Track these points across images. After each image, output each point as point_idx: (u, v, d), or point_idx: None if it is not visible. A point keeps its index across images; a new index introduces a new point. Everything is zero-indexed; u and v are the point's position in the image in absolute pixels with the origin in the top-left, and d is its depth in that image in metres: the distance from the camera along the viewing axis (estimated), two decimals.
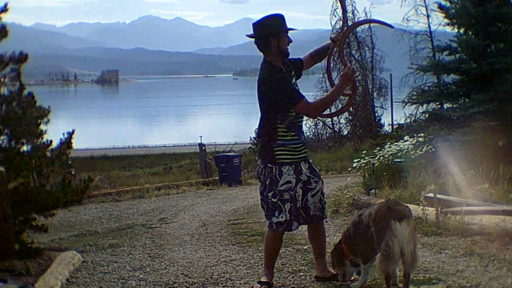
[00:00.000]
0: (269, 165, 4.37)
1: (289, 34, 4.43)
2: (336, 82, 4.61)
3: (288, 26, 4.42)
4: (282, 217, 4.36)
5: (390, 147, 10.55)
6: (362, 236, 4.12)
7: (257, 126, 4.57)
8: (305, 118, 4.81)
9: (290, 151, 4.37)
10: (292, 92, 4.32)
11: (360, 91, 31.63)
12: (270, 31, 4.34)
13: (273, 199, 4.36)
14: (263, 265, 4.66)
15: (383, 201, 4.87)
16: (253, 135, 33.32)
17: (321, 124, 32.70)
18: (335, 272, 4.64)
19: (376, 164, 9.86)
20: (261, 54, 4.43)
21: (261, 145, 4.50)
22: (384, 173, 9.54)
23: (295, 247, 5.97)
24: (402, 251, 3.78)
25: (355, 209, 8.15)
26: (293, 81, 4.48)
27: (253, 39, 4.43)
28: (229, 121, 68.38)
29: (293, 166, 4.36)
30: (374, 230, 3.91)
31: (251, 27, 4.43)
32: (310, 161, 4.56)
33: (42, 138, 6.75)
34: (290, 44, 4.43)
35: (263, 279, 4.52)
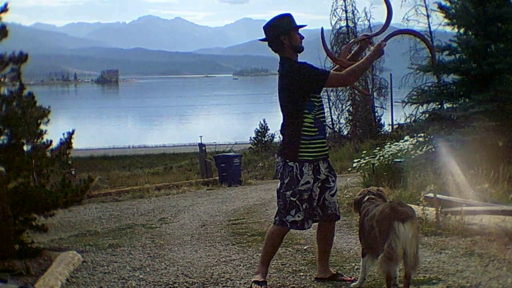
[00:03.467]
0: (289, 163, 4.36)
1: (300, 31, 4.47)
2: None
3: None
4: (298, 216, 4.37)
5: (390, 147, 10.56)
6: (366, 234, 4.14)
7: (280, 124, 4.53)
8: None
9: (314, 148, 4.37)
10: (318, 70, 4.38)
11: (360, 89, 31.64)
12: (280, 30, 4.39)
13: (292, 198, 4.36)
14: (260, 262, 4.62)
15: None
16: (253, 135, 33.38)
17: None
18: (335, 272, 4.65)
19: (376, 164, 9.87)
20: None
21: (284, 141, 4.47)
22: (384, 173, 9.55)
23: (295, 247, 5.97)
24: (404, 252, 3.78)
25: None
26: None
27: (262, 43, 4.49)
28: (229, 121, 68.38)
29: (312, 165, 4.36)
30: (378, 231, 3.91)
31: (262, 31, 4.48)
32: (329, 160, 4.57)
33: (42, 138, 6.75)
34: (303, 40, 4.47)
35: (259, 278, 4.50)
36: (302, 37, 4.47)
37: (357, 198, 4.51)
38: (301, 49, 4.46)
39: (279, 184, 4.48)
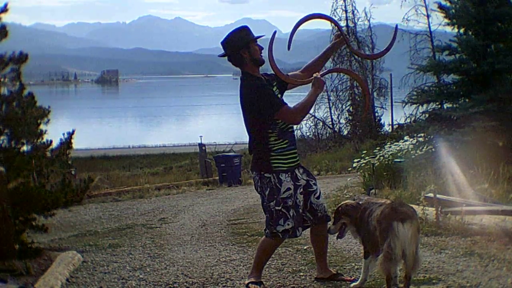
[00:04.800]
0: (265, 175, 4.33)
1: (259, 42, 4.42)
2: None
3: (256, 34, 4.43)
4: (288, 224, 4.33)
5: (390, 147, 10.55)
6: (369, 235, 4.14)
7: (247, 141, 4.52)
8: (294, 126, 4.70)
9: (285, 159, 4.36)
10: (273, 98, 4.31)
11: (360, 91, 31.66)
12: (238, 45, 4.34)
13: (277, 207, 4.32)
14: (253, 267, 4.58)
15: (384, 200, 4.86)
16: None
17: (321, 124, 32.72)
18: (335, 272, 4.65)
19: (376, 164, 9.87)
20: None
21: (255, 156, 4.43)
22: (384, 173, 9.54)
23: (295, 247, 5.97)
24: (404, 252, 3.78)
25: None
26: (276, 92, 4.43)
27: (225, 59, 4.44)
28: (229, 121, 68.32)
29: (289, 173, 4.35)
30: (378, 231, 3.92)
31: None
32: (302, 165, 4.55)
33: (42, 138, 6.75)
34: (263, 51, 4.41)
35: (255, 279, 4.48)
36: (262, 48, 4.41)
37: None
38: (261, 62, 4.41)
39: (261, 199, 4.46)
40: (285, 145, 4.36)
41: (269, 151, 4.33)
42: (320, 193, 4.54)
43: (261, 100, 4.27)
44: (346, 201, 4.64)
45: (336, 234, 4.45)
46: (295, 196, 4.35)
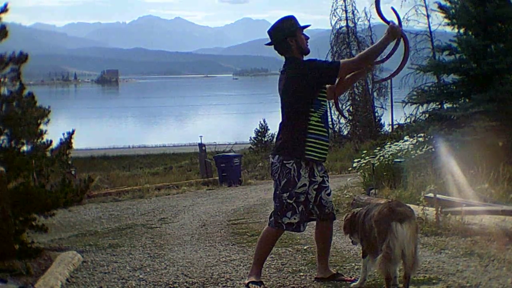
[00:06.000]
0: (287, 164, 4.30)
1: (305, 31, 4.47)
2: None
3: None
4: (294, 218, 4.34)
5: (390, 147, 10.55)
6: (366, 235, 4.14)
7: (277, 128, 4.49)
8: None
9: (319, 148, 4.34)
10: (328, 61, 4.45)
11: (360, 91, 31.69)
12: (285, 33, 4.39)
13: (288, 200, 4.33)
14: (253, 263, 4.58)
15: (385, 201, 4.86)
16: (253, 135, 33.34)
17: None
18: (335, 272, 4.64)
19: (376, 164, 9.86)
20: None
21: (285, 139, 4.37)
22: (384, 173, 9.54)
23: (295, 247, 5.97)
24: (403, 252, 3.78)
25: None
26: None
27: (262, 43, 4.55)
28: (229, 121, 68.38)
29: (308, 168, 4.34)
30: (376, 231, 3.92)
31: (267, 35, 4.46)
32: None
33: (42, 138, 6.75)
34: (308, 40, 4.47)
35: (255, 278, 4.48)
36: (307, 38, 4.45)
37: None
38: (307, 51, 4.45)
39: (274, 186, 4.45)
40: (321, 133, 4.34)
41: (305, 134, 4.29)
42: (330, 190, 4.55)
43: (317, 67, 4.30)
44: (353, 210, 4.63)
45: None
46: (308, 192, 4.36)
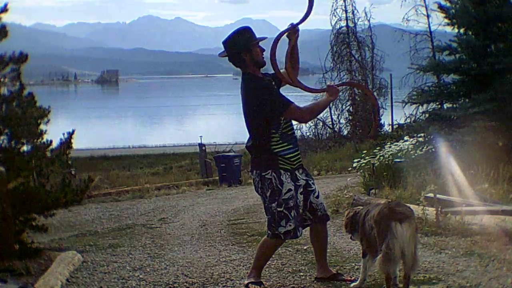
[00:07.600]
0: (266, 176, 4.32)
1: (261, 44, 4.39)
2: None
3: (258, 36, 4.39)
4: (290, 225, 4.33)
5: (390, 147, 10.56)
6: (366, 235, 4.14)
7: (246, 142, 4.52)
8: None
9: (290, 159, 4.36)
10: (280, 97, 4.33)
11: (360, 91, 31.68)
12: (239, 47, 4.33)
13: (278, 209, 4.32)
14: (252, 267, 4.60)
15: (385, 201, 4.87)
16: None
17: (321, 124, 32.73)
18: (335, 272, 4.65)
19: (376, 164, 9.87)
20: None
21: (256, 155, 4.42)
22: (384, 173, 9.54)
23: (295, 247, 5.97)
24: (402, 252, 3.79)
25: None
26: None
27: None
28: (229, 121, 68.33)
29: (289, 173, 4.35)
30: (376, 231, 3.92)
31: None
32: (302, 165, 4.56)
33: (42, 138, 6.74)
34: (264, 52, 4.40)
35: (255, 279, 4.49)
36: (263, 50, 4.39)
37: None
38: (262, 64, 4.41)
39: (262, 200, 4.46)
40: (286, 149, 4.35)
41: (272, 152, 4.32)
42: (318, 192, 4.55)
43: (269, 99, 4.27)
44: (355, 209, 4.64)
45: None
46: (296, 197, 4.35)
